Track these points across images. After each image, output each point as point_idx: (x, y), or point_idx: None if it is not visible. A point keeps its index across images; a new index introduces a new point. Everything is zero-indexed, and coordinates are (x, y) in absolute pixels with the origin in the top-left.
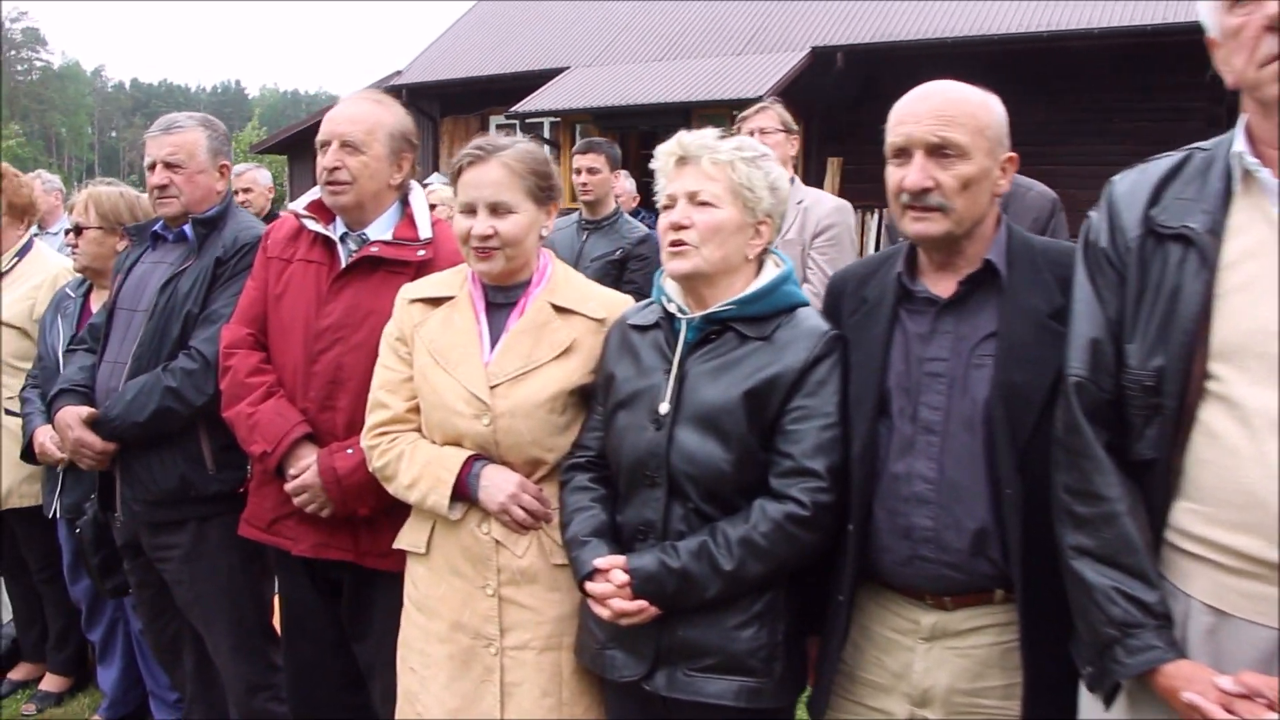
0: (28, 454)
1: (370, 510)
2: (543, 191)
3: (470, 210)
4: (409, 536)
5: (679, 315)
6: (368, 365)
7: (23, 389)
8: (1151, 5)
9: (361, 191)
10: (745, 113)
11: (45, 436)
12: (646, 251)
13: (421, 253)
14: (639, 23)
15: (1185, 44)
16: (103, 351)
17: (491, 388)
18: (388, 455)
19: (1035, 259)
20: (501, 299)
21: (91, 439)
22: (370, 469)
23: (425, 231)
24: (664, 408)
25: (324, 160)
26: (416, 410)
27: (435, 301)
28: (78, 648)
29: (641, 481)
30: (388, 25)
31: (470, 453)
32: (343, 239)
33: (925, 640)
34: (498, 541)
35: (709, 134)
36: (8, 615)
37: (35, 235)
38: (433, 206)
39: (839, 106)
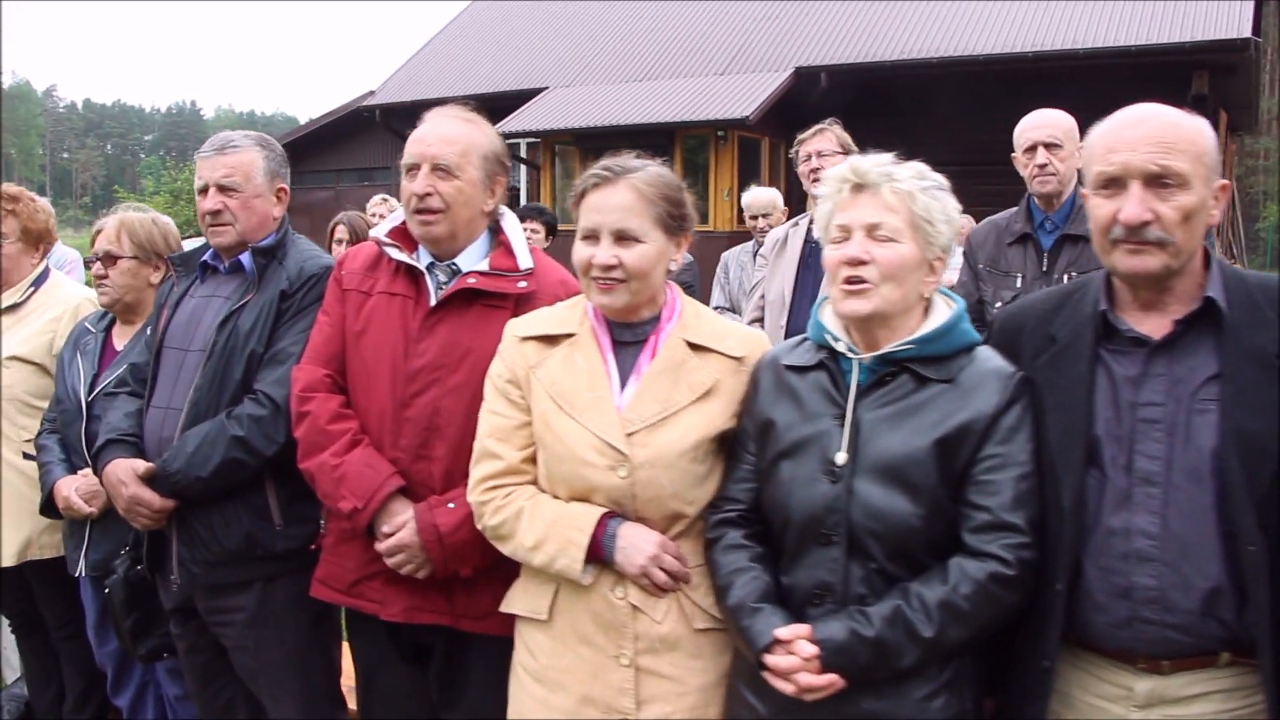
0: (49, 508)
1: (472, 570)
2: (674, 220)
3: (592, 237)
4: (526, 601)
5: (849, 355)
6: (467, 410)
7: (39, 434)
8: (1135, 26)
9: (455, 220)
10: (803, 135)
11: (69, 489)
12: (689, 279)
13: (522, 284)
14: (618, 43)
15: (1169, 65)
16: (150, 396)
17: (628, 435)
18: (504, 512)
19: (1252, 294)
20: (629, 336)
21: (149, 496)
22: (479, 526)
23: (525, 261)
24: (840, 458)
25: (413, 186)
26: (531, 460)
27: (551, 339)
28: (98, 711)
29: (815, 539)
30: (346, 48)
31: (602, 509)
32: (429, 269)
33: (1140, 708)
34: (634, 606)
35: (884, 159)
36: (15, 675)
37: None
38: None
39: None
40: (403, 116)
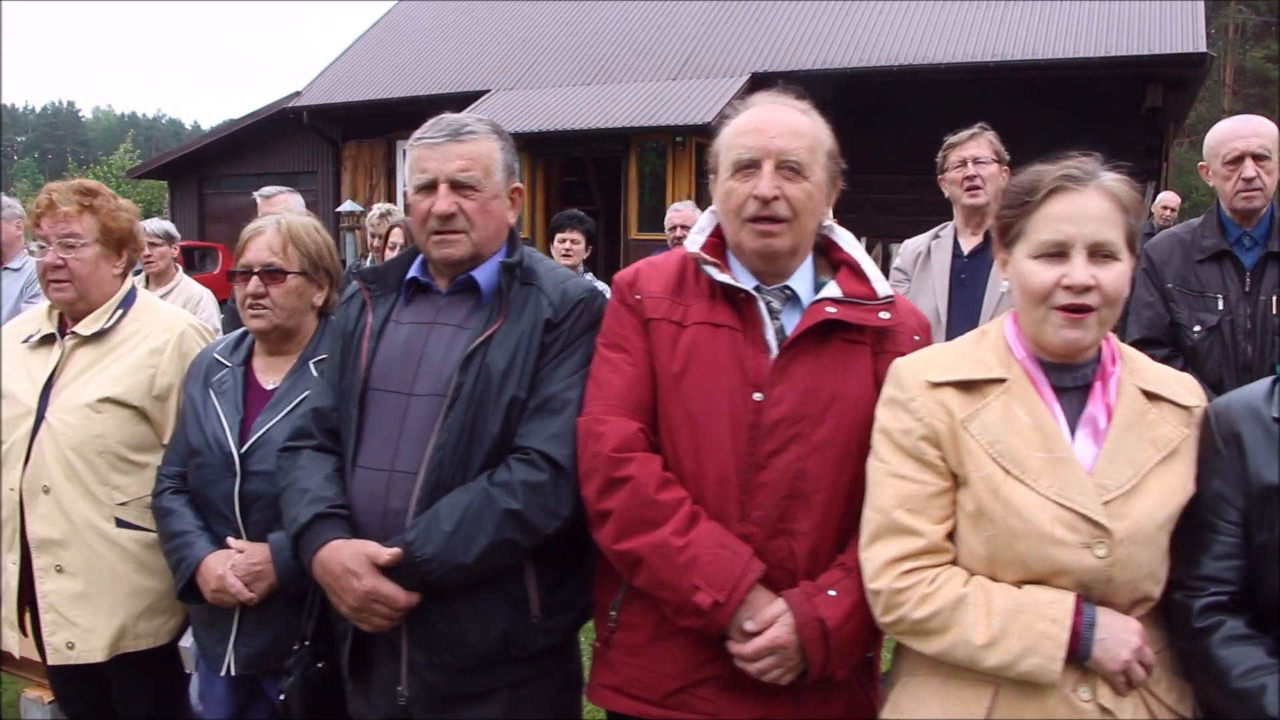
0: (189, 592)
1: (848, 671)
2: (1133, 236)
3: (1059, 253)
4: (940, 707)
5: None
6: (835, 471)
7: (160, 492)
8: (1092, 38)
9: (801, 232)
10: (954, 138)
11: (223, 568)
12: None
13: (884, 315)
14: (562, 45)
15: (1124, 77)
16: (356, 452)
17: (1104, 505)
18: (934, 601)
19: None
20: (1069, 381)
21: (392, 591)
22: (886, 619)
23: (883, 286)
24: None
25: (759, 187)
26: (951, 536)
27: (972, 386)
28: None
29: None
30: (234, 51)
31: (1071, 594)
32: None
33: None
34: (1103, 709)
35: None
36: None
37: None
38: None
39: None
40: (330, 119)
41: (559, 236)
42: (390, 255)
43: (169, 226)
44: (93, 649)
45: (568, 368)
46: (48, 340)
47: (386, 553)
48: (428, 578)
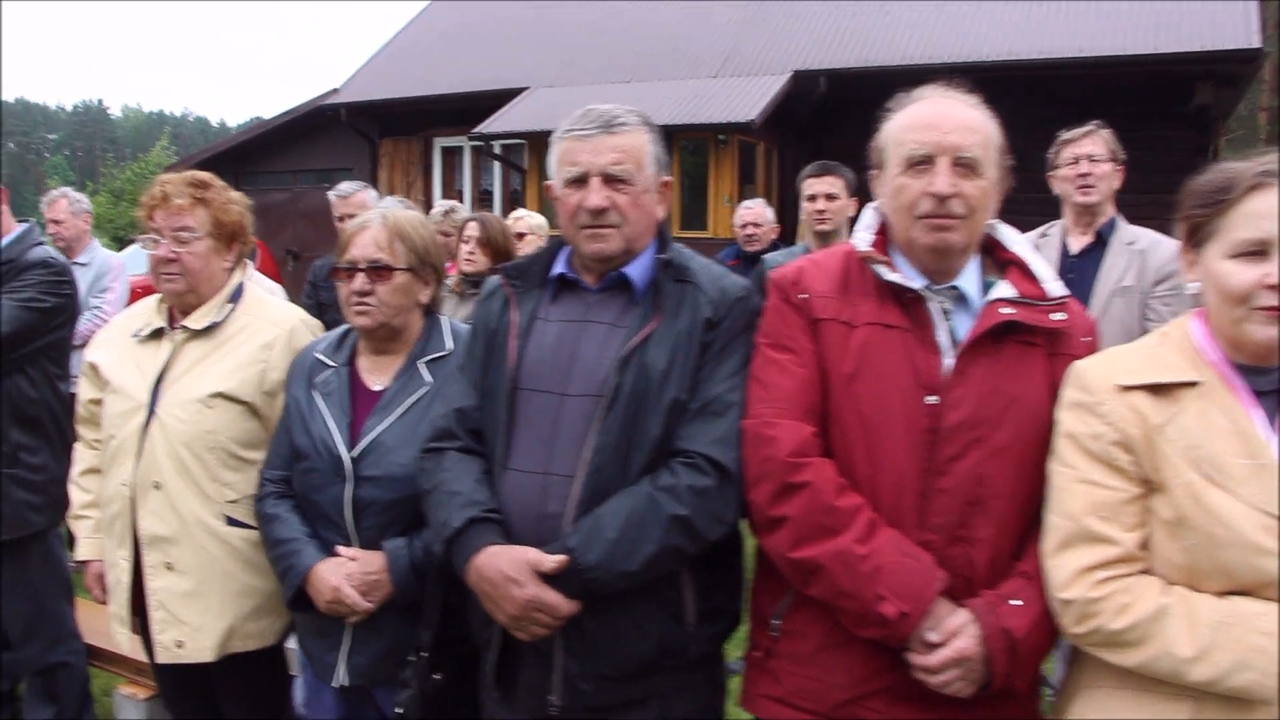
0: (299, 600)
1: (1028, 683)
2: None
3: (1259, 252)
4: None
5: None
6: (1015, 476)
7: (263, 497)
8: (1140, 34)
9: (974, 229)
10: (1067, 134)
11: (338, 578)
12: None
13: (1057, 316)
14: (599, 43)
15: (1173, 74)
16: (507, 455)
17: None
18: (1134, 612)
19: None
20: (1265, 384)
21: (554, 599)
22: (1078, 630)
23: (1055, 287)
24: None
25: (935, 184)
26: (1145, 545)
27: (1162, 390)
28: None
29: None
30: (257, 50)
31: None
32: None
33: None
34: None
35: None
36: None
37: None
38: (520, 236)
39: (816, 132)
40: (367, 117)
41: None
42: (465, 251)
43: None
44: (201, 648)
45: (728, 368)
46: (157, 334)
47: (551, 560)
48: (590, 585)
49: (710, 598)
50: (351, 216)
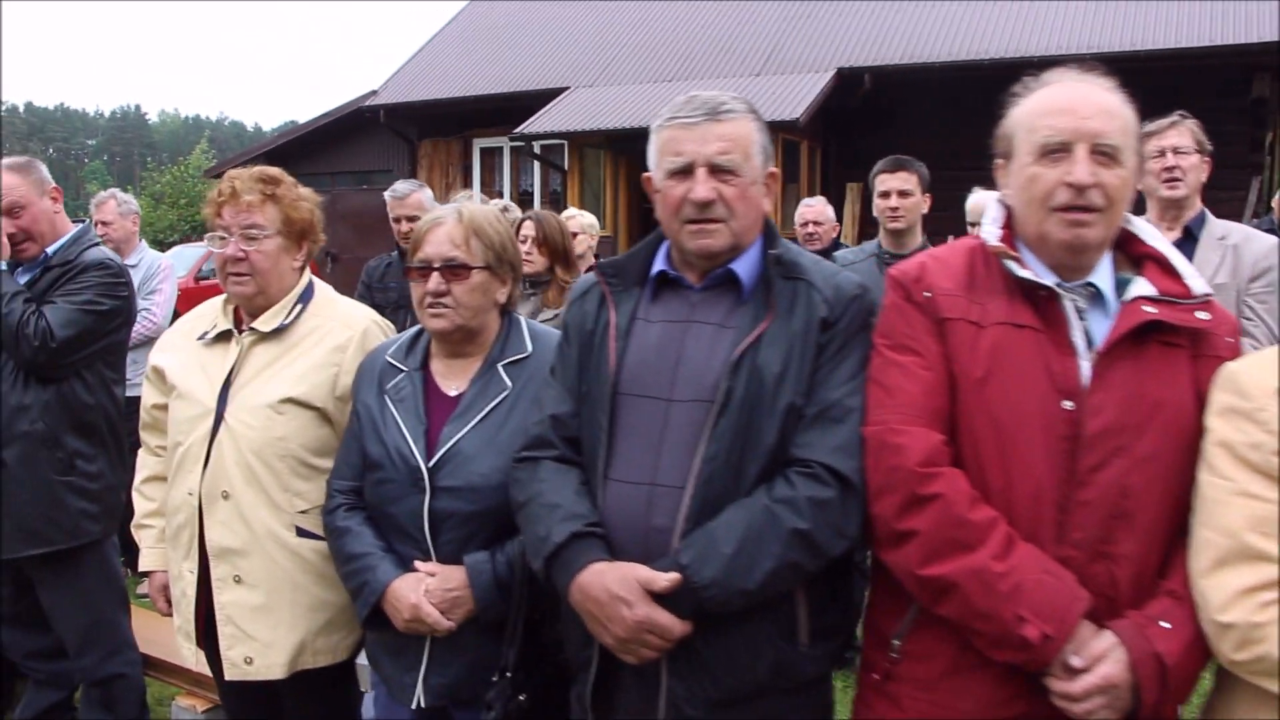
0: (375, 618)
1: (1175, 710)
2: None
3: None
4: None
5: None
6: (1162, 488)
7: (333, 509)
8: (1196, 28)
9: (1113, 222)
10: (1152, 126)
11: (417, 595)
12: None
13: (1203, 315)
14: (640, 42)
15: (1229, 66)
16: (608, 464)
17: None
18: None
19: None
20: None
21: (667, 620)
22: (1243, 655)
23: (1199, 284)
24: None
25: (1073, 173)
26: None
27: None
28: None
29: None
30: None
31: None
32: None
33: None
34: None
35: None
36: None
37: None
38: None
39: (858, 130)
40: (406, 118)
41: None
42: (522, 251)
43: None
44: (272, 665)
45: (845, 371)
46: (224, 337)
47: (664, 578)
48: (705, 605)
49: (823, 614)
50: (409, 218)
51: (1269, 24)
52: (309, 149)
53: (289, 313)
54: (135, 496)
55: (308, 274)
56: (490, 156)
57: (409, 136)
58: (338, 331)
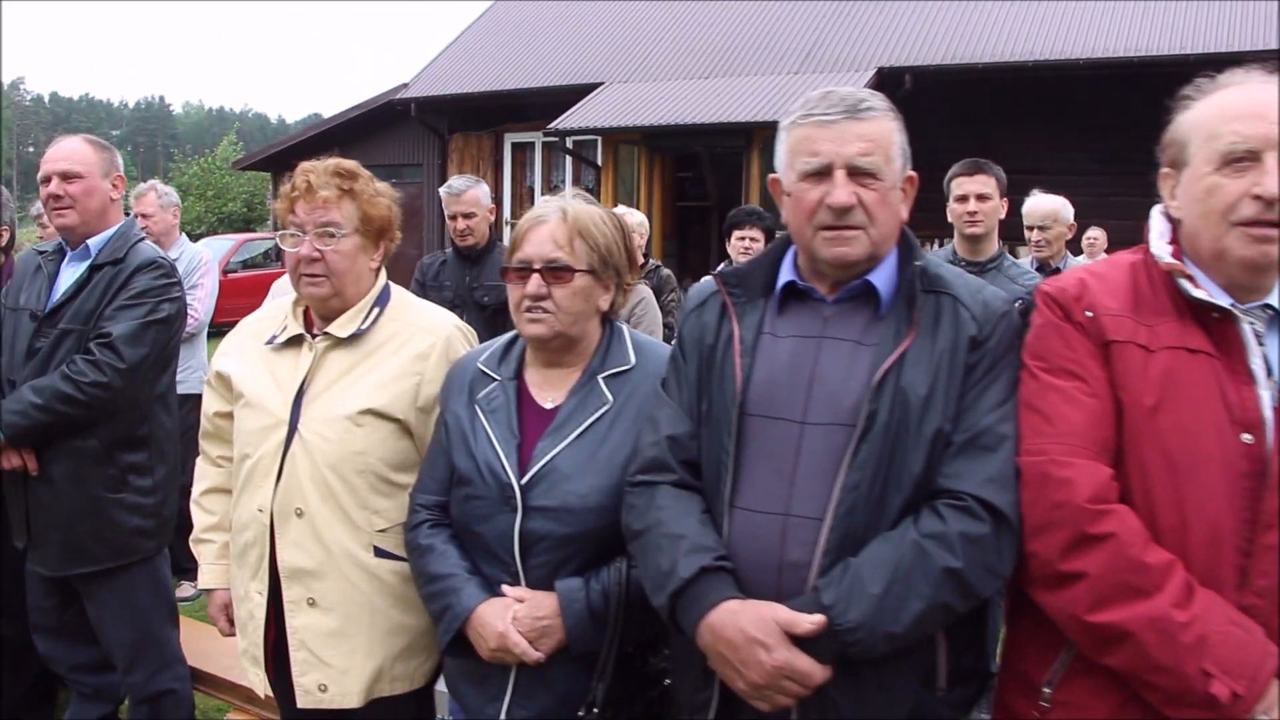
0: (458, 644)
1: None
2: None
3: None
4: None
5: None
6: None
7: (416, 525)
8: (1253, 30)
9: None
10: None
11: (505, 622)
12: None
13: None
14: (676, 37)
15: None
16: (734, 492)
17: None
18: None
19: None
20: None
21: (808, 666)
22: None
23: None
24: None
25: (1262, 185)
26: None
27: None
28: None
29: None
30: (315, 48)
31: None
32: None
33: None
34: None
35: None
36: None
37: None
38: None
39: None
40: (437, 111)
41: (737, 234)
42: None
43: None
44: (347, 693)
45: (995, 395)
46: (294, 341)
47: (807, 620)
48: (849, 649)
49: (962, 656)
50: (465, 215)
51: None
52: (339, 142)
53: (366, 317)
54: (194, 509)
55: (384, 275)
56: (522, 151)
57: (440, 130)
58: (419, 338)
